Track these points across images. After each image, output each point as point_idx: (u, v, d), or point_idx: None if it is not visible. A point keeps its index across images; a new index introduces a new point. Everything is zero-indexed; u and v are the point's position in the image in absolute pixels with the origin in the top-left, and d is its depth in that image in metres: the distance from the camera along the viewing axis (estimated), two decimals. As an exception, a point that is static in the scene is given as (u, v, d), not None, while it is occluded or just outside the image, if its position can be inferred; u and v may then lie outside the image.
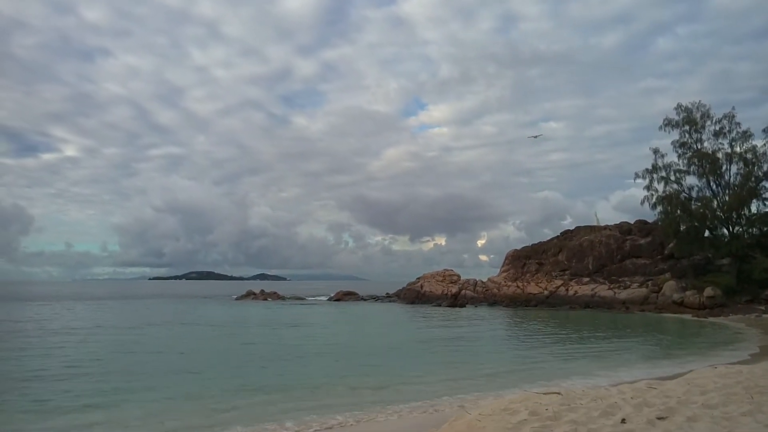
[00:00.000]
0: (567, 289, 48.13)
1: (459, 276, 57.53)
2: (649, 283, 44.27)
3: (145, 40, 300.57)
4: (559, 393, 7.93)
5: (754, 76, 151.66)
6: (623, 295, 43.83)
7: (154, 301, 59.49)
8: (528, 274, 54.40)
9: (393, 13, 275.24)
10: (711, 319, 34.62)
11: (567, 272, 51.75)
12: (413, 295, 55.17)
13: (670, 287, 41.66)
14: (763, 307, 36.50)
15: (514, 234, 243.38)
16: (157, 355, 17.38)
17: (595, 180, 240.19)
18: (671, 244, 45.60)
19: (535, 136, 72.27)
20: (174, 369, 14.73)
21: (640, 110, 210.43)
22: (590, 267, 50.74)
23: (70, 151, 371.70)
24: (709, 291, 38.81)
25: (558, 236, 59.19)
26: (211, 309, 46.98)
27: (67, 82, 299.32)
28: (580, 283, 48.48)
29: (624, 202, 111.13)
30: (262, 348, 19.32)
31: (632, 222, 54.54)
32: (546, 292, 48.96)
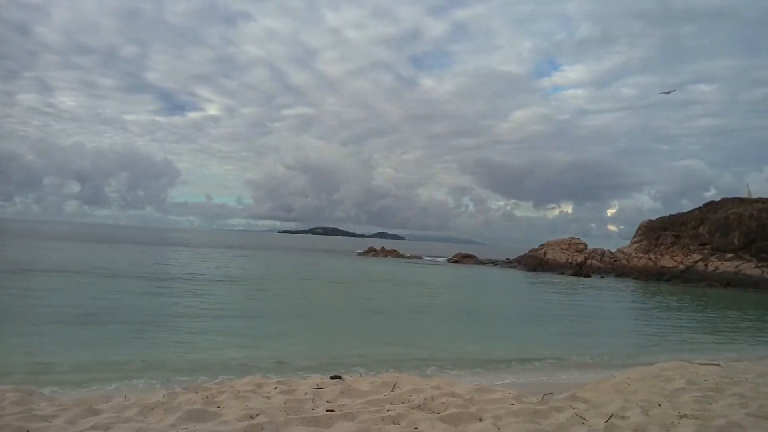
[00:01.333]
0: (706, 265, 44.40)
1: (585, 245, 55.10)
2: (807, 263, 39.61)
3: (282, 3, 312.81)
4: (718, 365, 7.41)
5: None
6: (774, 275, 39.65)
7: (284, 254, 63.41)
8: (662, 247, 50.81)
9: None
10: None
11: (708, 247, 47.61)
12: (535, 262, 53.79)
13: (833, 270, 37.02)
14: None
15: (648, 204, 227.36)
16: (290, 304, 18.67)
17: (749, 149, 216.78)
18: (838, 222, 40.25)
19: (668, 92, 66.35)
20: (313, 320, 15.76)
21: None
22: (736, 242, 46.25)
23: (212, 110, 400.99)
24: None
25: (700, 208, 54.41)
26: (338, 263, 49.25)
27: (212, 45, 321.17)
28: (723, 259, 44.47)
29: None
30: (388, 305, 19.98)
31: (791, 196, 48.85)
32: (681, 267, 45.55)
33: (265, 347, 10.77)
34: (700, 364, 7.42)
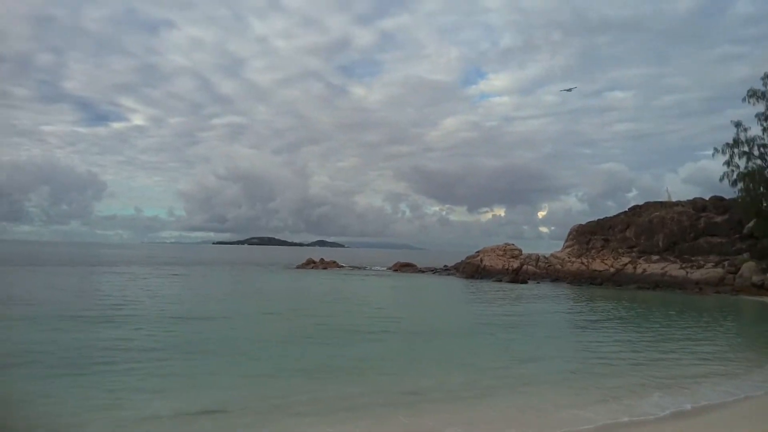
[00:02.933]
0: (635, 267, 46.29)
1: (520, 250, 56.32)
2: (726, 263, 41.90)
3: (207, 12, 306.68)
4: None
5: None
6: (696, 275, 41.70)
7: (217, 270, 61.27)
8: (593, 251, 52.64)
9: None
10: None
11: (635, 249, 49.74)
12: (472, 269, 54.45)
13: (749, 268, 39.30)
14: None
15: (576, 206, 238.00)
16: (219, 334, 17.67)
17: (664, 152, 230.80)
18: (751, 223, 42.86)
19: (569, 89, 69.22)
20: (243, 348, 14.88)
21: (714, 78, 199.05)
22: (660, 244, 48.55)
23: (138, 120, 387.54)
24: (793, 274, 36.41)
25: (626, 212, 56.82)
26: (273, 278, 47.97)
27: (134, 53, 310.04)
28: (650, 261, 46.50)
29: (695, 175, 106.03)
30: (328, 327, 19.27)
31: (706, 198, 51.73)
32: (612, 270, 47.27)
33: (191, 395, 9.83)
34: None
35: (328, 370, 12.01)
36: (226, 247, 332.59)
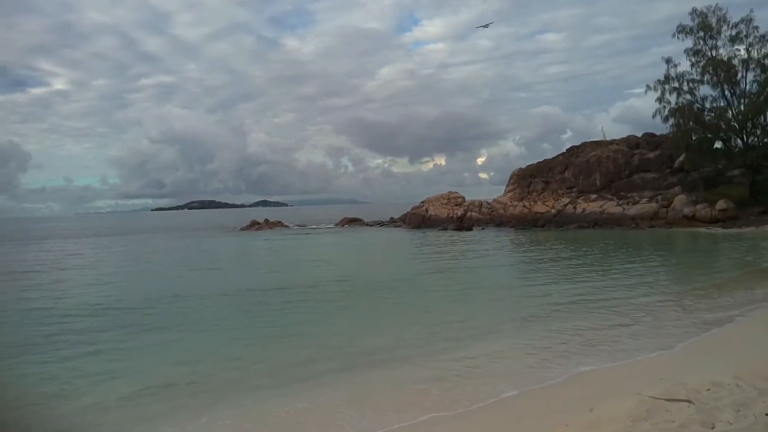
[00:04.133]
0: (575, 207, 47.59)
1: (464, 198, 56.92)
2: (659, 197, 43.59)
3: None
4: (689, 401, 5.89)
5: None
6: (632, 211, 43.26)
7: (155, 238, 59.14)
8: (534, 193, 53.73)
9: None
10: (724, 231, 34.25)
11: (574, 190, 51.05)
12: (418, 220, 54.72)
13: (680, 201, 41.02)
14: (775, 218, 36.01)
15: (514, 150, 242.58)
16: (167, 302, 16.84)
17: (594, 92, 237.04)
18: (681, 157, 44.57)
19: (485, 25, 69.74)
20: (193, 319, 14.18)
21: (640, 17, 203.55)
22: (598, 183, 49.99)
23: (59, 85, 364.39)
24: (721, 204, 38.28)
25: (563, 153, 58.00)
26: (219, 243, 46.67)
27: (47, 12, 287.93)
28: (588, 201, 47.87)
29: (625, 114, 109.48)
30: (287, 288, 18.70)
31: (639, 135, 53.31)
32: (553, 211, 48.44)
33: (139, 375, 9.19)
34: (666, 400, 5.97)
35: (284, 337, 11.57)
36: (166, 213, 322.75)
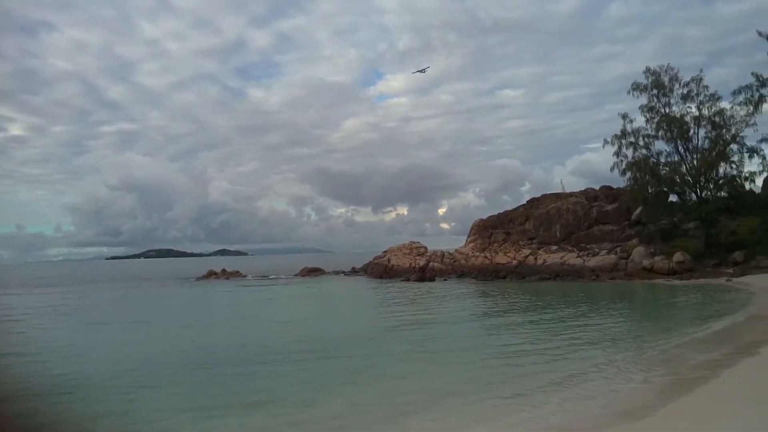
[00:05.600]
0: (536, 259, 47.51)
1: (426, 248, 56.48)
2: (618, 249, 43.93)
3: (91, 13, 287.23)
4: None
5: (702, 41, 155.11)
6: (592, 262, 43.39)
7: (106, 287, 56.38)
8: (495, 244, 53.63)
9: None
10: (682, 282, 34.47)
11: (535, 241, 51.17)
12: (381, 270, 53.83)
13: (639, 253, 41.36)
14: (731, 270, 36.52)
15: (474, 202, 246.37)
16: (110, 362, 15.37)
17: (552, 146, 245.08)
18: (638, 210, 45.33)
19: (422, 70, 71.07)
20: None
21: (595, 76, 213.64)
22: (558, 235, 50.23)
23: (16, 130, 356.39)
24: (678, 256, 38.71)
25: (524, 205, 58.57)
26: (169, 294, 44.57)
27: (10, 57, 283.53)
28: (549, 252, 47.91)
29: (581, 167, 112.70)
30: (231, 349, 17.37)
31: (596, 188, 54.37)
32: (515, 262, 48.24)
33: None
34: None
35: (230, 403, 10.41)
36: (121, 261, 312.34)
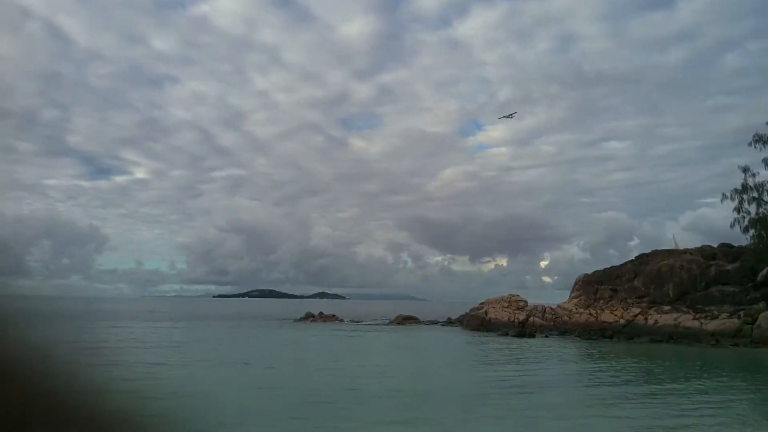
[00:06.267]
0: (646, 319, 44.43)
1: (526, 302, 54.66)
2: (741, 313, 40.13)
3: (209, 67, 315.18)
4: None
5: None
6: (711, 326, 39.85)
7: (213, 324, 59.45)
8: (601, 301, 50.88)
9: (448, 36, 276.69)
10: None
11: (644, 299, 48.00)
12: (477, 322, 52.64)
13: (766, 318, 37.55)
14: None
15: (578, 255, 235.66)
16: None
17: (662, 200, 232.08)
18: (765, 271, 41.41)
19: (510, 115, 64.28)
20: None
21: (709, 128, 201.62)
22: (671, 294, 46.81)
23: (140, 174, 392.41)
24: (814, 324, 34.71)
25: (632, 260, 55.30)
26: (272, 336, 46.15)
27: (137, 108, 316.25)
28: (661, 312, 44.68)
29: (696, 223, 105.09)
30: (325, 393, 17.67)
31: (713, 245, 50.40)
32: (622, 321, 45.40)
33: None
34: None
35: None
36: (227, 300, 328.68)
